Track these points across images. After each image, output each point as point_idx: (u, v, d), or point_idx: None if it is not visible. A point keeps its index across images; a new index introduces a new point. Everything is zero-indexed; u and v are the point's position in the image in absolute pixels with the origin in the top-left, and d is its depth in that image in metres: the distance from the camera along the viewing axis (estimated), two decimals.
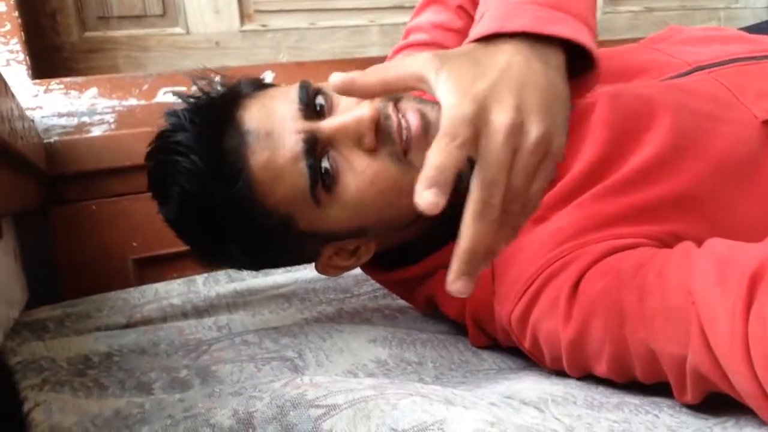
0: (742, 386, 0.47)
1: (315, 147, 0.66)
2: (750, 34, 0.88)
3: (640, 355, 0.56)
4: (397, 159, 0.66)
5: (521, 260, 0.65)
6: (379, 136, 0.66)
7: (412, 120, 0.66)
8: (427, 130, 0.66)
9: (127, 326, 0.83)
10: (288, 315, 0.87)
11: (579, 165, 0.67)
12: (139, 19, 1.26)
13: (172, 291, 0.94)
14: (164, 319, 0.86)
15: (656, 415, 0.54)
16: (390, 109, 0.66)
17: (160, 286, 0.95)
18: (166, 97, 1.19)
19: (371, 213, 0.69)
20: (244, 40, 1.34)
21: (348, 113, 0.66)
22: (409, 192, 0.66)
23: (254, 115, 0.67)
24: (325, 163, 0.66)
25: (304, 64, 1.30)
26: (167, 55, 1.28)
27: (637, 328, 0.55)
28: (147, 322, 0.85)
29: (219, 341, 0.74)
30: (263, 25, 1.35)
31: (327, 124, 0.66)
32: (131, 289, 0.98)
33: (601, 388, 0.61)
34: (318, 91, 0.69)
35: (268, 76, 1.25)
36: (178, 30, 1.29)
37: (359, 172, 0.66)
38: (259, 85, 0.74)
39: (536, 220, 0.67)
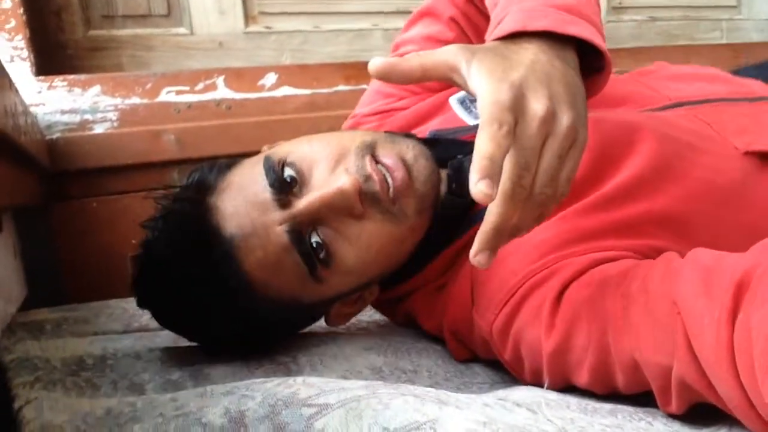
0: (728, 396, 0.47)
1: (301, 232, 0.64)
2: (735, 76, 0.90)
3: (624, 364, 0.55)
4: (388, 214, 0.66)
5: (503, 271, 0.65)
6: (365, 200, 0.65)
7: (395, 171, 0.65)
8: (411, 174, 0.66)
9: (124, 333, 0.83)
10: None
11: None
12: (144, 18, 1.27)
13: None
14: (162, 328, 0.85)
15: (650, 423, 0.54)
16: (368, 165, 0.65)
17: None
18: (168, 96, 1.19)
19: (374, 270, 0.70)
20: (248, 41, 1.34)
21: (327, 186, 0.64)
22: (406, 239, 0.68)
23: (231, 215, 0.65)
24: (315, 239, 0.65)
25: (307, 67, 1.31)
26: (171, 55, 1.29)
27: (621, 337, 0.55)
28: (144, 330, 0.84)
29: None
30: (267, 27, 1.36)
31: (308, 203, 0.64)
32: (131, 299, 0.97)
33: (595, 395, 0.60)
34: (284, 163, 0.66)
35: (271, 78, 1.25)
36: (182, 30, 1.30)
37: (354, 240, 0.66)
38: (222, 167, 0.70)
39: None
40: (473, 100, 0.80)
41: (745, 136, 0.72)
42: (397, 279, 0.75)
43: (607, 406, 0.57)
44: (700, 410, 0.53)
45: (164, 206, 0.70)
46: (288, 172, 0.66)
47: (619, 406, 0.57)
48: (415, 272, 0.74)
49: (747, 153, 0.71)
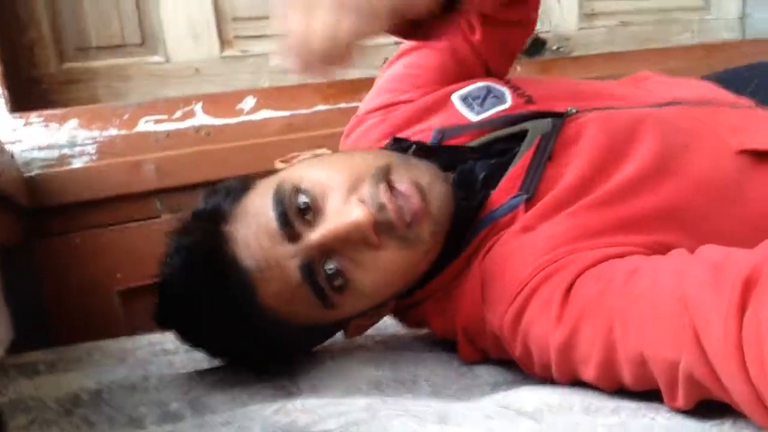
0: (736, 391, 0.47)
1: (313, 267, 0.64)
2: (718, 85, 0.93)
3: (630, 359, 0.55)
4: (403, 241, 0.65)
5: (512, 266, 0.65)
6: (379, 229, 0.64)
7: (410, 197, 0.65)
8: (426, 199, 0.66)
9: (119, 364, 0.81)
10: None
11: (568, 179, 0.69)
12: (118, 48, 1.26)
13: (167, 339, 0.90)
14: (156, 357, 0.84)
15: (653, 418, 0.54)
16: (382, 194, 0.64)
17: (154, 337, 0.92)
18: (147, 126, 1.18)
19: (390, 292, 0.70)
20: (225, 66, 1.34)
21: (341, 218, 0.64)
22: (421, 262, 0.69)
23: (245, 246, 0.64)
24: (330, 266, 0.64)
25: (285, 89, 1.31)
26: (147, 84, 1.28)
27: (628, 332, 0.55)
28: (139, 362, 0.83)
29: (211, 373, 0.73)
30: (243, 51, 1.35)
31: (321, 237, 0.64)
32: (124, 338, 0.96)
33: (597, 392, 0.60)
34: (298, 190, 0.66)
35: (249, 102, 1.25)
36: (157, 58, 1.29)
37: (370, 269, 0.66)
38: (237, 192, 0.70)
39: (525, 229, 0.68)
40: (476, 97, 0.83)
41: (739, 135, 0.74)
42: (411, 290, 0.75)
43: (610, 404, 0.57)
44: (703, 405, 0.53)
45: (179, 235, 0.69)
46: (302, 199, 0.65)
47: (622, 403, 0.57)
48: (427, 282, 0.74)
49: (741, 152, 0.73)
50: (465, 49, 0.91)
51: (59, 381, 0.70)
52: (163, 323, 0.71)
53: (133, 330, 0.99)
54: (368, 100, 0.95)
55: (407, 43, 0.95)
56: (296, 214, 0.65)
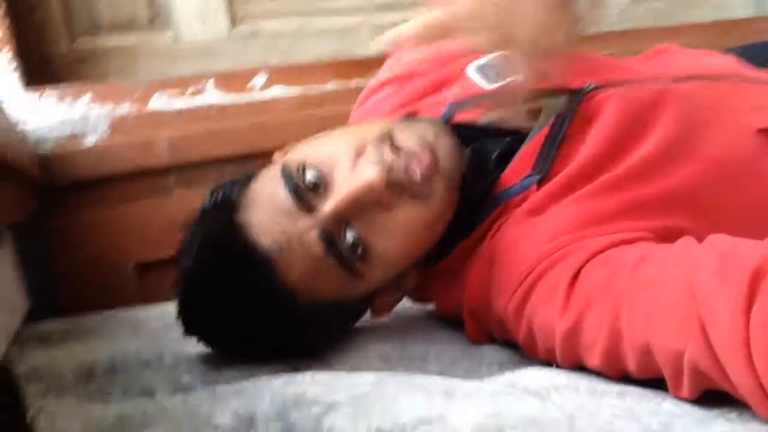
0: (741, 383, 0.47)
1: (333, 235, 0.64)
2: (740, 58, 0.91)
3: (636, 348, 0.55)
4: (417, 199, 0.66)
5: (519, 250, 0.65)
6: (391, 189, 0.65)
7: (420, 154, 0.65)
8: (434, 154, 0.66)
9: (132, 338, 0.82)
10: None
11: (582, 159, 0.69)
12: (129, 26, 1.26)
13: None
14: (168, 329, 0.85)
15: (659, 404, 0.54)
16: (389, 155, 0.65)
17: (167, 307, 0.93)
18: (159, 103, 1.18)
19: (412, 254, 0.70)
20: (235, 44, 1.33)
21: (352, 183, 0.64)
22: (437, 220, 0.69)
23: (262, 230, 0.64)
24: (350, 235, 0.65)
25: (296, 66, 1.30)
26: (158, 62, 1.28)
27: (634, 319, 0.55)
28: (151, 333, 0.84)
29: None
30: (253, 29, 1.35)
31: (335, 204, 0.64)
32: (136, 308, 0.96)
33: (604, 377, 0.60)
34: (304, 168, 0.66)
35: (261, 79, 1.25)
36: (168, 36, 1.29)
37: (388, 231, 0.66)
38: (242, 182, 0.69)
39: (533, 212, 0.67)
40: (493, 67, 0.82)
41: (759, 114, 0.73)
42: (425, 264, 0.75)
43: (616, 388, 0.57)
44: (710, 393, 0.53)
45: (192, 233, 0.68)
46: (309, 175, 0.65)
47: (628, 389, 0.57)
48: (440, 258, 0.74)
49: (760, 131, 0.72)
50: None
51: (74, 351, 0.72)
52: (191, 331, 0.69)
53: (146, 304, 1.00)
54: (383, 71, 0.94)
55: None
56: (307, 189, 0.65)
